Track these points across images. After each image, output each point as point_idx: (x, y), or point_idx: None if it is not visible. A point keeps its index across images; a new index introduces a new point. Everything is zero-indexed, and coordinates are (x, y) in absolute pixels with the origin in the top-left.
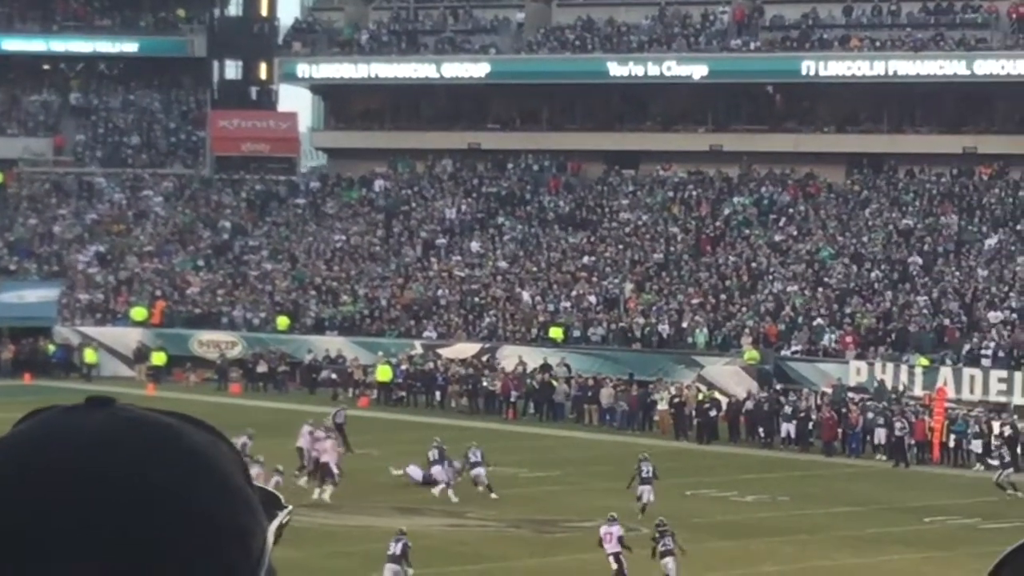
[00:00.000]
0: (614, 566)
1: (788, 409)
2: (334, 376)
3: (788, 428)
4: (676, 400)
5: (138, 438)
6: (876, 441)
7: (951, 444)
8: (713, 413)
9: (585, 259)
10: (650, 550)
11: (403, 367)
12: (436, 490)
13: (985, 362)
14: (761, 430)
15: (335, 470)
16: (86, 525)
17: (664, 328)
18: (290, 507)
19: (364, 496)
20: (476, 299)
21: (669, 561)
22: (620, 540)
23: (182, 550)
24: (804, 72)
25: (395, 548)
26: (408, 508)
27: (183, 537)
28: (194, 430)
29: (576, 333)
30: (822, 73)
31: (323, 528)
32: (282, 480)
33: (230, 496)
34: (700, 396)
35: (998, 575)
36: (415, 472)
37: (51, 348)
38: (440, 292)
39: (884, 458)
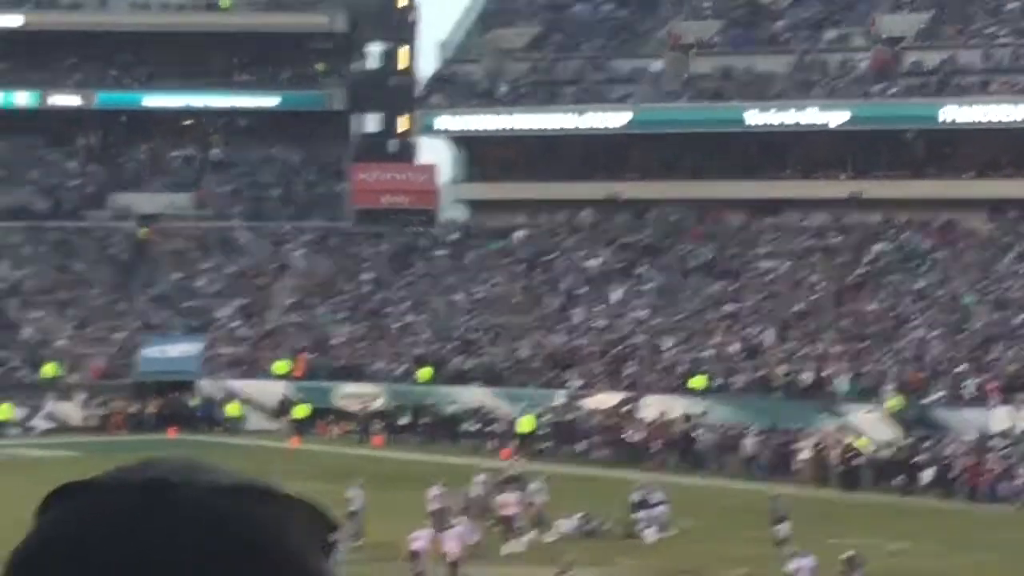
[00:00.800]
0: None
1: (928, 456)
2: (476, 427)
3: (928, 474)
4: (819, 448)
5: (195, 543)
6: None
7: None
8: (856, 461)
9: (726, 307)
10: None
11: (545, 418)
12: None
13: None
14: (902, 477)
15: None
16: None
17: (807, 376)
18: (342, 526)
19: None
20: (617, 349)
21: None
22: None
23: None
24: (943, 119)
25: None
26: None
27: None
28: (259, 510)
29: (718, 382)
30: (961, 119)
31: None
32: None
33: None
34: (845, 444)
35: None
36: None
37: (194, 402)
38: (582, 342)
39: None
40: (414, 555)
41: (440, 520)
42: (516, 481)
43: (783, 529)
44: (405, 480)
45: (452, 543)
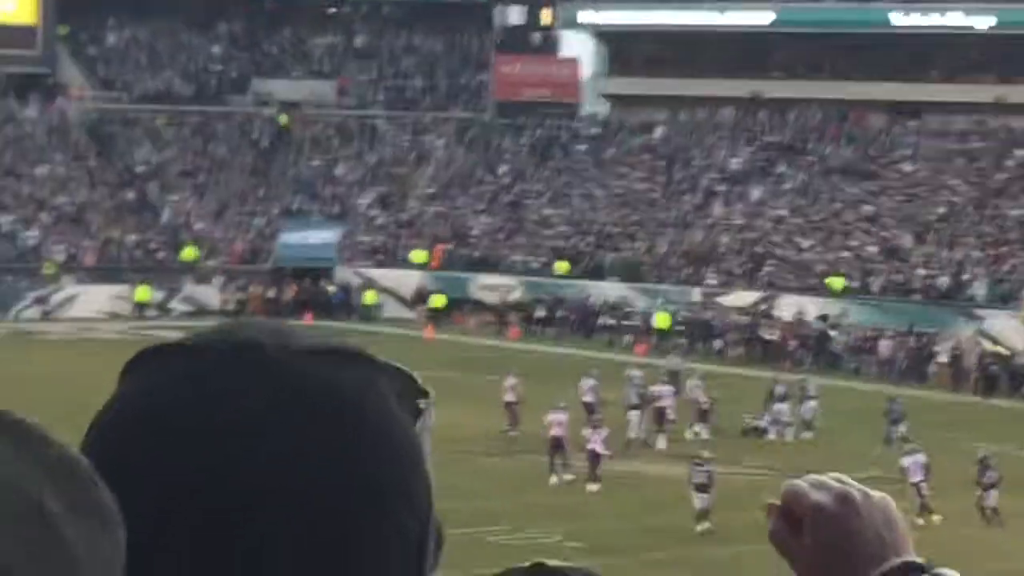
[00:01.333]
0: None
1: None
2: (612, 322)
3: None
4: (956, 353)
5: (285, 404)
6: None
7: None
8: (994, 367)
9: (865, 208)
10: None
11: (682, 315)
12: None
13: None
14: None
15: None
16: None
17: (944, 280)
18: (432, 393)
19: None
20: (755, 248)
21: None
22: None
23: (346, 518)
24: None
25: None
26: (684, 455)
27: (340, 511)
28: (347, 372)
29: (855, 284)
30: None
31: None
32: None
33: (389, 453)
34: (981, 350)
35: None
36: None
37: (331, 289)
38: (720, 240)
39: None
40: (556, 443)
41: (591, 411)
42: (674, 376)
43: (901, 429)
44: (541, 373)
45: (598, 442)
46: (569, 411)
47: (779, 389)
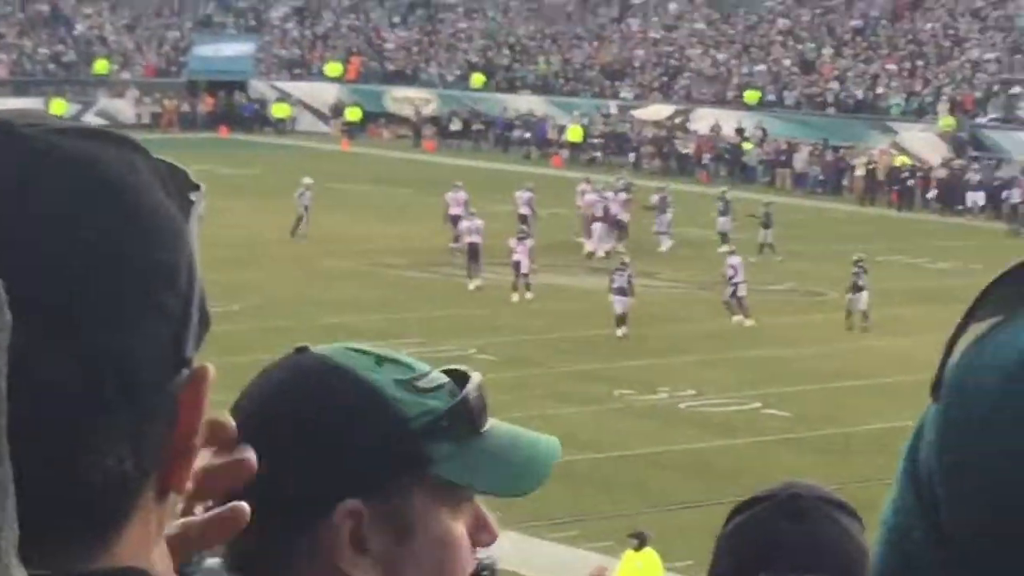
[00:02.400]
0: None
1: (978, 177)
2: (527, 135)
3: (977, 197)
4: (871, 166)
5: (39, 176)
6: None
7: None
8: (909, 181)
9: (781, 22)
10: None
11: (597, 127)
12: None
13: None
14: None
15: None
16: None
17: (860, 93)
18: (202, 186)
19: (558, 255)
20: (672, 61)
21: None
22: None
23: (96, 302)
24: None
25: (620, 280)
26: (599, 268)
27: (95, 287)
28: (107, 149)
29: (771, 97)
30: None
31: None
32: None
33: (148, 230)
34: (897, 162)
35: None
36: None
37: (243, 101)
38: (636, 53)
39: None
40: (472, 250)
41: (523, 223)
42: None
43: (769, 234)
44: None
45: (523, 253)
46: (483, 220)
47: (653, 199)
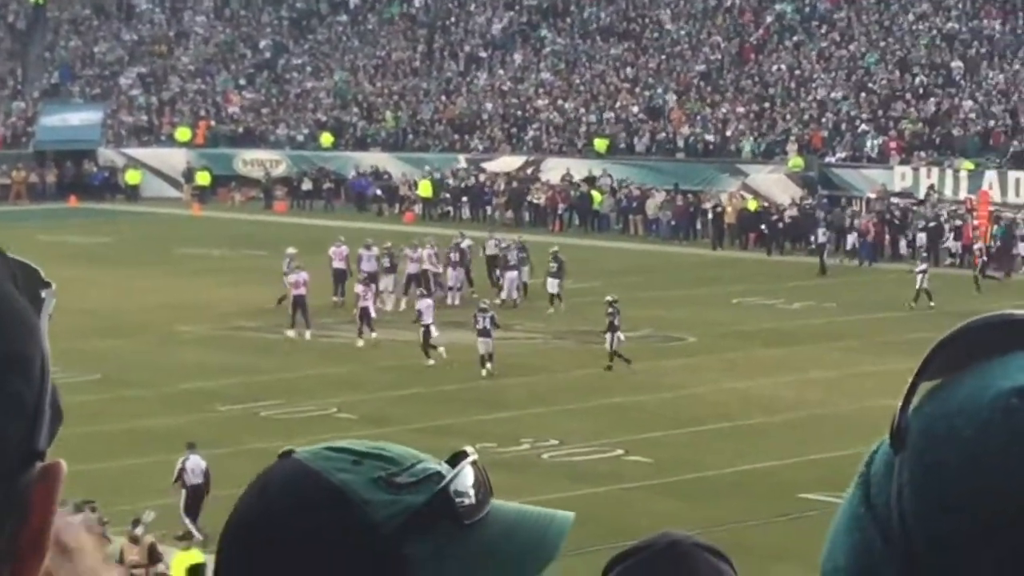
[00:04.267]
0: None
1: (828, 217)
2: (379, 192)
3: (829, 235)
4: (716, 209)
5: None
6: (918, 244)
7: (994, 247)
8: (760, 223)
9: (628, 70)
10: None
11: (448, 181)
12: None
13: None
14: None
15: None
16: None
17: (709, 137)
18: (52, 285)
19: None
20: (520, 112)
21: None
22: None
23: None
24: None
25: (483, 322)
26: (453, 323)
27: None
28: None
29: (621, 145)
30: None
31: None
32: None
33: (6, 322)
34: (747, 205)
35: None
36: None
37: (93, 170)
38: (483, 106)
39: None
40: (297, 301)
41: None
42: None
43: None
44: (311, 244)
45: (370, 299)
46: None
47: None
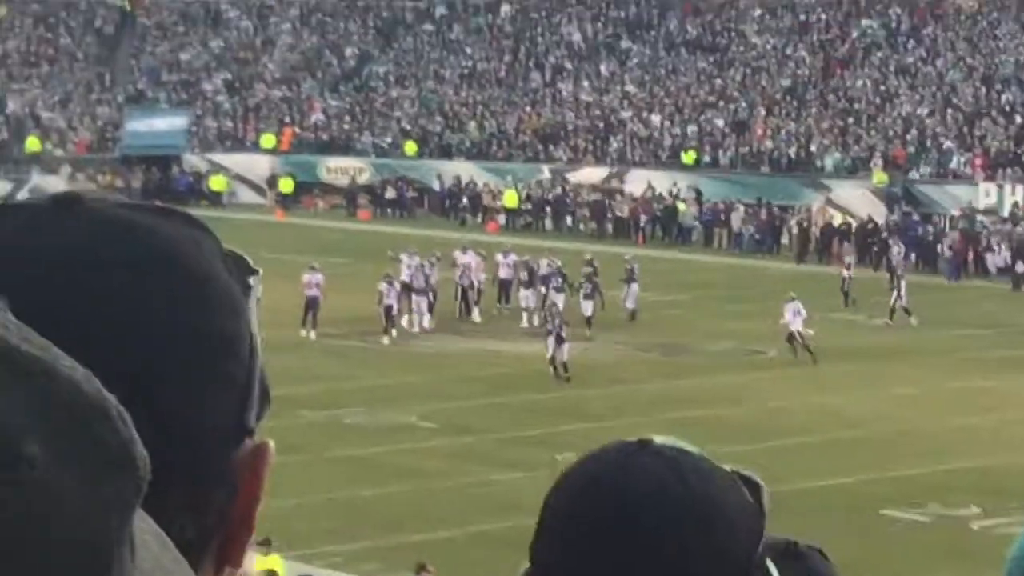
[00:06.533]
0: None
1: (916, 232)
2: (463, 202)
3: (914, 252)
4: (802, 224)
5: (108, 247)
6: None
7: None
8: (836, 236)
9: (714, 83)
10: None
11: (531, 192)
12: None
13: None
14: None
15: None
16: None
17: (793, 151)
18: (260, 271)
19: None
20: (604, 124)
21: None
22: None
23: (167, 369)
24: None
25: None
26: (539, 332)
27: (166, 354)
28: (170, 224)
29: (706, 158)
30: None
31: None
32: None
33: (208, 296)
34: (832, 220)
35: None
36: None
37: (177, 175)
38: (568, 117)
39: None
40: (310, 302)
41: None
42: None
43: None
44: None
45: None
46: (324, 272)
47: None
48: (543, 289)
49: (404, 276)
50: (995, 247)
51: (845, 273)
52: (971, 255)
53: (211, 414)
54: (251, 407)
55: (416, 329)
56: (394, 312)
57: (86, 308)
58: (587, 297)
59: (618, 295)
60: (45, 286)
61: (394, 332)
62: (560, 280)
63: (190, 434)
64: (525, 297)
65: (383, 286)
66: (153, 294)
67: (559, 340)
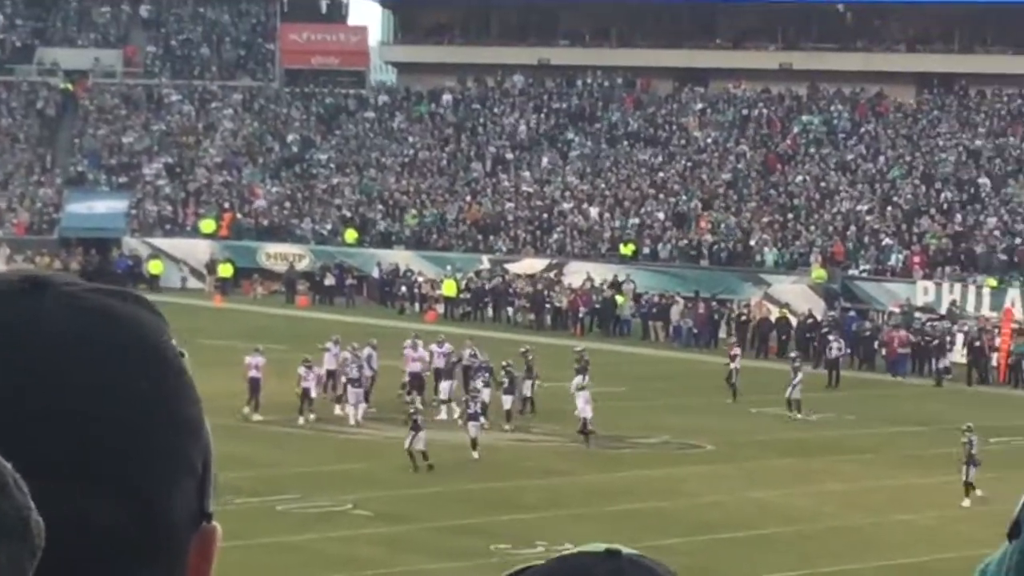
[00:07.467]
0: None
1: (852, 327)
2: (402, 290)
3: (850, 347)
4: (741, 318)
5: (94, 332)
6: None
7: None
8: (782, 333)
9: (654, 176)
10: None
11: (470, 282)
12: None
13: None
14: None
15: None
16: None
17: (732, 246)
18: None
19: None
20: (544, 215)
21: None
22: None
23: (150, 457)
24: None
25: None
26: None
27: (151, 443)
28: (143, 312)
29: (645, 250)
30: None
31: (391, 441)
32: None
33: (181, 385)
34: (771, 314)
35: None
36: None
37: (116, 257)
38: (508, 207)
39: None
40: (253, 384)
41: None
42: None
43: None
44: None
45: (311, 380)
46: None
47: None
48: (462, 379)
49: (328, 364)
50: (938, 344)
51: (732, 365)
52: (910, 352)
53: (181, 499)
54: (209, 491)
55: (352, 422)
56: (312, 395)
57: (76, 397)
58: (507, 391)
59: (561, 386)
60: (30, 374)
61: (312, 416)
62: (487, 375)
63: (164, 519)
64: (444, 388)
65: (301, 370)
66: (140, 384)
67: (416, 428)
